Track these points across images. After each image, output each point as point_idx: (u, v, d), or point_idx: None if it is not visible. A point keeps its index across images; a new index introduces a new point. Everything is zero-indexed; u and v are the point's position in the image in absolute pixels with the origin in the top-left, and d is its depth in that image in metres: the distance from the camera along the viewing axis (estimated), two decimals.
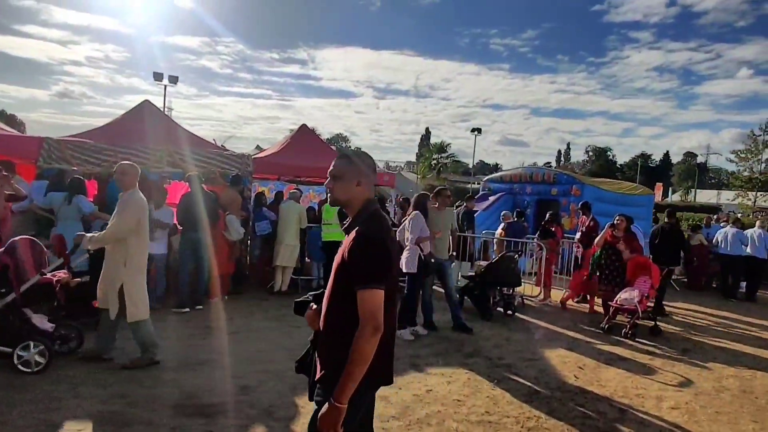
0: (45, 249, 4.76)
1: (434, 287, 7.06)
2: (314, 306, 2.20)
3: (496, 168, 67.73)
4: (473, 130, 46.07)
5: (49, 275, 4.57)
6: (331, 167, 2.13)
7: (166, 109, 29.36)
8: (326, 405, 1.89)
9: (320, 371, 2.03)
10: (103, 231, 4.56)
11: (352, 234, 2.01)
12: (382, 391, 4.34)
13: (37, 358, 4.31)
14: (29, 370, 4.27)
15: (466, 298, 7.75)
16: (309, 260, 8.97)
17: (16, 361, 4.25)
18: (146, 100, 9.68)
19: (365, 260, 1.93)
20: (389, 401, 4.24)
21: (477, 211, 11.70)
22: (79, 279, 4.96)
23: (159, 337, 5.44)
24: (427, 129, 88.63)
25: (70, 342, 4.79)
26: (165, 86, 30.74)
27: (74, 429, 3.45)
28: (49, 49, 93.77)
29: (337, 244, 7.98)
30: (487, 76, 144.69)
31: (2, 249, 4.41)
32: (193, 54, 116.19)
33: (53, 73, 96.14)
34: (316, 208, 10.11)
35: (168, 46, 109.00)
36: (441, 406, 4.22)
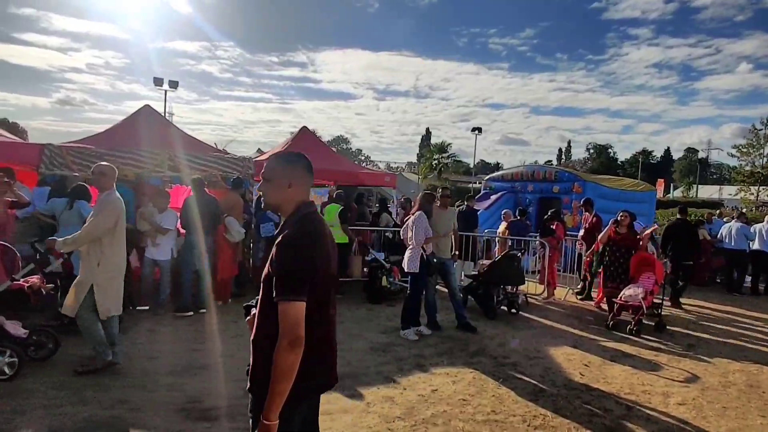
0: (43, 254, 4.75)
1: (438, 287, 7.03)
2: (254, 311, 2.10)
3: (496, 167, 67.62)
4: (473, 130, 46.08)
5: (21, 281, 4.52)
6: (263, 169, 2.07)
7: (167, 114, 29.41)
8: (259, 423, 1.83)
9: (248, 382, 1.99)
10: (77, 232, 4.50)
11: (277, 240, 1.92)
12: (386, 392, 4.36)
13: (8, 364, 4.26)
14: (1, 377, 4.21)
15: (469, 297, 7.72)
16: None
17: None
18: (146, 105, 9.70)
19: (284, 269, 1.84)
20: (394, 402, 4.21)
21: (479, 210, 11.67)
22: (52, 284, 4.91)
23: (163, 342, 5.46)
24: (427, 129, 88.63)
25: (45, 348, 4.71)
26: (165, 91, 30.75)
27: None
28: (50, 56, 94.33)
29: (339, 245, 7.84)
30: (486, 76, 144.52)
31: None
32: (193, 59, 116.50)
33: (54, 81, 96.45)
34: (318, 210, 10.08)
35: (167, 51, 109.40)
36: (447, 405, 4.19)
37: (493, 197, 14.23)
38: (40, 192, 6.39)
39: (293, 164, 2.05)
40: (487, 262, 8.18)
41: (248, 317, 2.14)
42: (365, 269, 9.12)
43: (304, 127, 12.30)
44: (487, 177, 16.90)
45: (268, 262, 1.92)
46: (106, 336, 4.62)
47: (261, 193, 2.10)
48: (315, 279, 1.88)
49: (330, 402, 4.12)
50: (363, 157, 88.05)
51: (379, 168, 47.62)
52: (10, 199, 5.66)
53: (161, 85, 30.19)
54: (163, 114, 13.26)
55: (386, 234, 9.51)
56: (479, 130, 46.46)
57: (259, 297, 1.98)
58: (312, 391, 2.02)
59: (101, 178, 4.54)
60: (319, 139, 12.18)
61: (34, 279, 4.68)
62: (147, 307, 6.63)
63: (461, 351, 5.71)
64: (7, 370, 4.24)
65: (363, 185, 12.21)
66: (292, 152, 2.16)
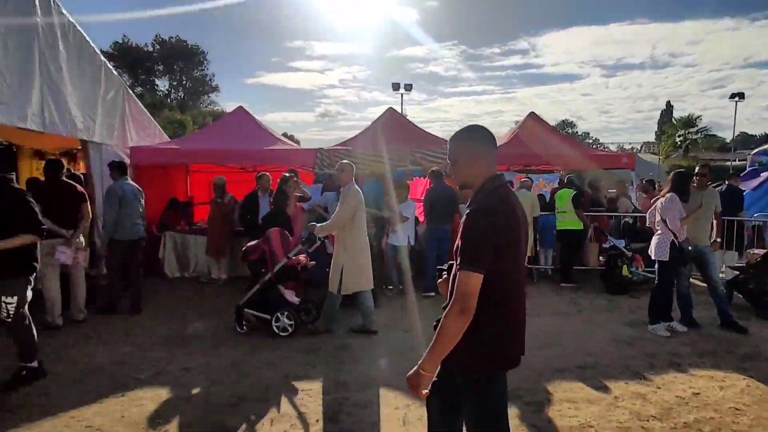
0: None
1: (691, 279, 6.07)
2: (445, 275, 2.14)
3: (765, 139, 54.43)
4: (732, 97, 37.88)
5: (293, 259, 5.41)
6: (448, 153, 2.03)
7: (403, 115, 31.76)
8: (414, 367, 1.92)
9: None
10: (328, 221, 5.30)
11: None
12: (636, 388, 3.98)
13: (288, 324, 5.22)
14: (282, 334, 5.18)
15: (735, 292, 6.47)
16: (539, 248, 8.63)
17: (273, 326, 5.21)
18: (389, 108, 10.60)
19: (466, 241, 1.83)
20: (647, 399, 3.81)
21: (744, 190, 9.63)
22: (314, 262, 5.76)
23: (412, 318, 5.94)
24: (668, 103, 76.16)
25: (311, 314, 5.54)
26: (402, 95, 33.26)
27: (359, 386, 4.01)
28: (312, 78, 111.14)
29: (573, 232, 7.42)
30: (748, 30, 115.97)
31: (261, 239, 5.44)
32: (421, 62, 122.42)
33: (316, 98, 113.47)
34: (548, 196, 9.69)
35: (400, 58, 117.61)
36: (713, 412, 3.61)
37: (764, 174, 11.55)
38: (316, 188, 7.60)
39: (472, 139, 1.99)
40: (759, 251, 6.72)
41: (440, 280, 2.18)
42: (601, 257, 8.43)
43: (532, 112, 11.88)
44: (756, 151, 13.83)
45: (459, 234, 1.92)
46: (364, 308, 5.34)
47: (451, 175, 2.09)
48: (498, 254, 1.82)
49: (572, 390, 3.96)
50: (591, 140, 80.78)
51: (610, 149, 43.04)
52: (299, 195, 6.89)
53: (398, 90, 32.69)
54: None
55: (626, 219, 8.59)
56: (740, 96, 38.04)
57: (455, 265, 1.99)
58: (489, 368, 1.95)
59: (341, 174, 5.27)
60: (547, 123, 11.59)
61: (302, 257, 5.61)
62: (392, 287, 7.30)
63: (728, 353, 4.83)
64: (288, 328, 5.23)
65: (597, 168, 11.23)
66: (470, 126, 2.04)
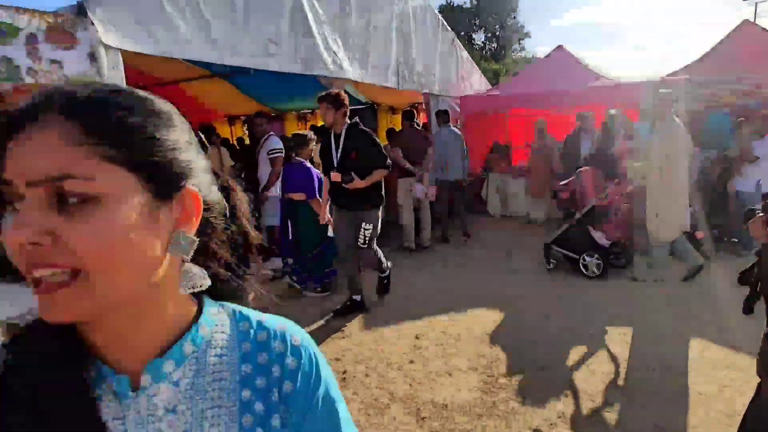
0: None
1: None
2: (760, 214, 1.95)
3: None
4: None
5: (605, 200, 4.91)
6: None
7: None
8: None
9: None
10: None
11: None
12: None
13: (595, 265, 4.87)
14: (589, 275, 4.91)
15: None
16: None
17: (580, 266, 4.92)
18: (745, 20, 8.24)
19: None
20: None
21: None
22: (627, 204, 5.10)
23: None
24: None
25: (621, 258, 5.18)
26: (756, 4, 25.27)
27: (682, 341, 3.51)
28: (625, 5, 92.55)
29: None
30: None
31: (573, 177, 5.11)
32: None
33: (631, 29, 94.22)
34: None
35: None
36: None
37: None
38: (643, 126, 6.63)
39: None
40: None
41: (751, 220, 1.98)
42: None
43: None
44: None
45: None
46: (683, 252, 4.66)
47: None
48: None
49: None
50: None
51: None
52: (625, 133, 6.17)
53: None
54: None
55: None
56: None
57: None
58: None
59: (657, 105, 4.55)
60: None
61: (617, 198, 5.07)
62: (735, 239, 5.86)
63: None
64: (595, 270, 4.90)
65: None
66: None
